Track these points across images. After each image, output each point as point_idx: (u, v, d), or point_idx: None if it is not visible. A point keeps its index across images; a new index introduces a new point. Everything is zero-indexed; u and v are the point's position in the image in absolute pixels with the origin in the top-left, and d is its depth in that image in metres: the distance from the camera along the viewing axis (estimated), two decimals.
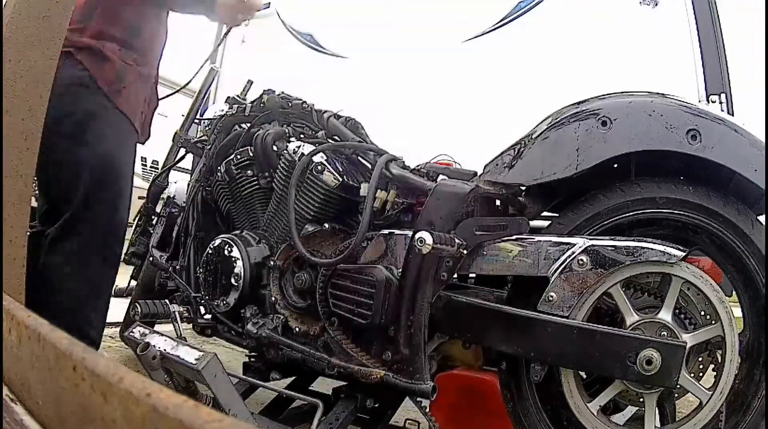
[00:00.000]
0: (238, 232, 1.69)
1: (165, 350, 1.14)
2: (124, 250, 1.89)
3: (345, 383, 1.45)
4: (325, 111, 1.69)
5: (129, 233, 2.32)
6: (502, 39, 2.49)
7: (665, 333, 1.08)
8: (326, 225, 1.50)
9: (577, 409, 1.13)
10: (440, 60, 2.60)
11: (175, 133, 2.19)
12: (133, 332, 1.24)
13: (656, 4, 2.18)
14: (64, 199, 1.54)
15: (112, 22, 1.59)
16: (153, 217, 2.21)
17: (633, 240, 1.08)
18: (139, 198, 2.30)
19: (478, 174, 1.30)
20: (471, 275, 1.38)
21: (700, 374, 1.29)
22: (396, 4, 2.86)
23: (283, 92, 1.82)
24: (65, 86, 1.47)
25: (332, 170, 1.49)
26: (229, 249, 1.59)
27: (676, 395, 1.29)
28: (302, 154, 1.53)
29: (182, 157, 2.21)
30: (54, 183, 1.55)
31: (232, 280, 1.57)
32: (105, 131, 1.57)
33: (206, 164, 1.87)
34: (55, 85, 1.44)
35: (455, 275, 1.23)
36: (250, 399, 1.62)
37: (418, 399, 1.28)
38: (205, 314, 1.73)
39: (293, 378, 1.73)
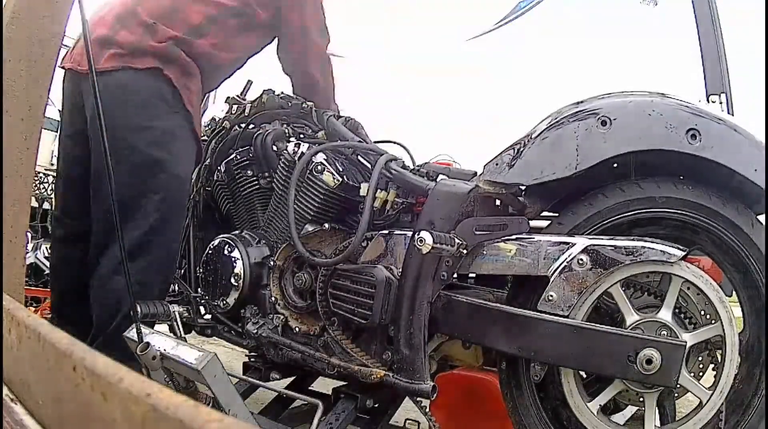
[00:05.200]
0: (238, 232, 1.69)
1: (165, 350, 1.14)
2: None
3: (345, 383, 1.45)
4: (325, 111, 1.69)
5: None
6: (503, 38, 2.49)
7: (665, 332, 1.08)
8: (326, 225, 1.50)
9: (577, 409, 1.13)
10: (440, 60, 2.60)
11: None
12: (133, 332, 1.24)
13: (656, 4, 2.18)
14: (130, 215, 1.42)
15: (222, 47, 1.56)
16: None
17: (633, 239, 1.08)
18: None
19: (478, 174, 1.30)
20: (471, 275, 1.38)
21: (700, 374, 1.28)
22: (396, 4, 2.87)
23: (283, 92, 1.82)
24: (148, 98, 1.44)
25: (332, 170, 1.49)
26: (229, 249, 1.59)
27: (676, 395, 1.29)
28: (302, 154, 1.53)
29: None
30: (119, 193, 1.33)
31: (232, 280, 1.57)
32: (182, 152, 1.51)
33: (205, 164, 1.87)
34: (137, 96, 1.42)
35: (455, 275, 1.23)
36: (250, 399, 1.62)
37: (418, 399, 1.28)
38: (205, 314, 1.73)
39: (293, 378, 1.73)
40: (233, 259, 1.57)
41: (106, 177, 1.32)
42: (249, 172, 1.69)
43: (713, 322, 1.08)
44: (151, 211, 1.44)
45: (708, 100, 2.00)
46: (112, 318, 1.41)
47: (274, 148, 1.63)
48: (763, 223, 1.08)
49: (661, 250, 1.05)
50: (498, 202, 1.30)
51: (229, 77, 1.81)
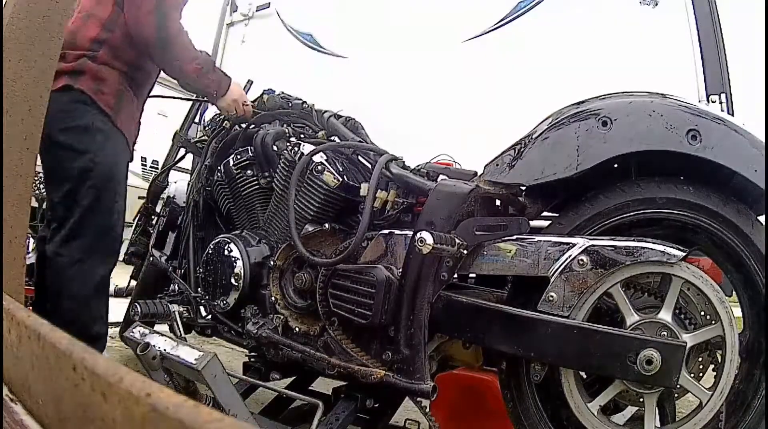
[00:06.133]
0: (238, 232, 1.69)
1: (165, 350, 1.14)
2: (123, 250, 1.96)
3: (345, 383, 1.45)
4: (325, 111, 1.69)
5: (128, 233, 2.32)
6: (502, 39, 2.49)
7: (665, 333, 1.08)
8: (326, 225, 1.50)
9: (577, 409, 1.13)
10: (440, 60, 2.59)
11: (175, 133, 2.19)
12: (133, 332, 1.24)
13: (656, 4, 2.18)
14: (66, 206, 1.64)
15: (116, 55, 1.69)
16: (153, 217, 2.21)
17: (633, 240, 1.08)
18: (139, 198, 2.30)
19: (479, 174, 1.30)
20: (471, 275, 1.38)
21: (700, 374, 1.29)
22: (396, 3, 2.86)
23: (283, 92, 1.82)
24: (66, 104, 1.60)
25: (332, 170, 1.49)
26: (229, 249, 1.59)
27: (676, 395, 1.29)
28: (302, 153, 1.53)
29: (182, 157, 2.21)
30: (58, 190, 1.66)
31: (232, 280, 1.57)
32: (105, 144, 1.66)
33: (205, 164, 1.87)
34: (57, 109, 1.51)
35: (455, 275, 1.23)
36: (250, 399, 1.62)
37: (418, 399, 1.28)
38: (207, 315, 1.73)
39: (293, 378, 1.73)
40: (233, 259, 1.57)
41: (48, 176, 1.67)
42: (249, 172, 1.69)
43: (713, 322, 1.08)
44: (82, 197, 1.63)
45: (708, 100, 2.00)
46: (57, 295, 1.61)
47: (274, 148, 1.63)
48: (763, 223, 1.08)
49: (661, 251, 1.05)
50: (498, 203, 1.30)
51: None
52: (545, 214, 1.30)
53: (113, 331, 2.78)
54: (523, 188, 1.25)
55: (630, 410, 1.41)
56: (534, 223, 1.22)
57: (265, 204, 1.67)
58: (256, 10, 3.44)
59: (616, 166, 1.17)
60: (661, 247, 1.05)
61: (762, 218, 1.09)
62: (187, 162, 2.28)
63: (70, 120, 1.61)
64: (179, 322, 1.59)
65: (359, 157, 1.62)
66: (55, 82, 1.57)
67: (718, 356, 1.14)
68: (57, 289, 1.62)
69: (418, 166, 1.49)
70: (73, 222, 1.63)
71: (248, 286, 1.55)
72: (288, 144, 1.62)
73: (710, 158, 1.04)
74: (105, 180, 1.66)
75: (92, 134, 1.64)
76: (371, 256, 1.34)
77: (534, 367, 1.18)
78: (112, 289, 2.81)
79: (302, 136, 1.68)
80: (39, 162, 1.19)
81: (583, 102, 1.18)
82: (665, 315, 1.09)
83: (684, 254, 1.04)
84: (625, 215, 1.13)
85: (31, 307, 1.99)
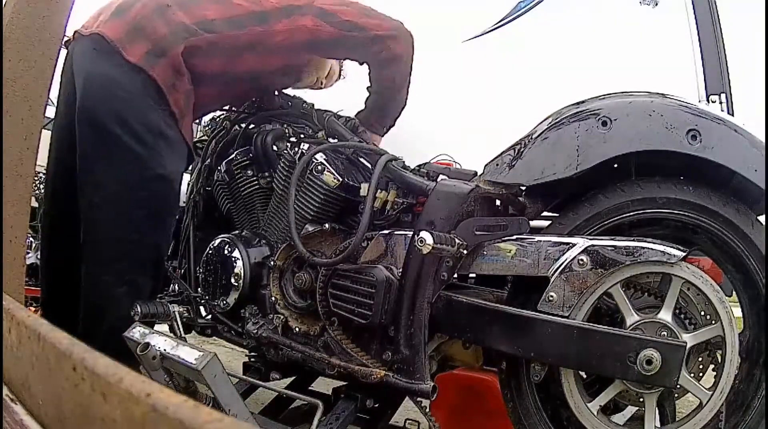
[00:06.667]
0: (238, 232, 1.69)
1: (165, 350, 1.14)
2: None
3: (345, 383, 1.45)
4: (325, 111, 1.69)
5: None
6: (502, 39, 2.49)
7: (665, 333, 1.08)
8: (326, 225, 1.50)
9: (577, 409, 1.13)
10: (440, 60, 2.59)
11: None
12: (133, 332, 1.24)
13: (656, 4, 2.18)
14: (115, 212, 1.41)
15: (210, 54, 1.47)
16: None
17: (633, 240, 1.08)
18: None
19: (478, 174, 1.30)
20: (471, 275, 1.38)
21: (700, 374, 1.29)
22: (396, 3, 2.86)
23: (283, 92, 1.82)
24: (132, 90, 1.39)
25: (332, 170, 1.49)
26: (229, 249, 1.59)
27: (676, 395, 1.29)
28: (302, 153, 1.53)
29: None
30: (103, 188, 1.42)
31: (232, 280, 1.57)
32: (167, 153, 1.45)
33: (205, 164, 1.87)
34: (123, 90, 1.37)
35: (455, 275, 1.23)
36: (250, 399, 1.62)
37: (418, 399, 1.28)
38: (206, 315, 1.73)
39: (293, 378, 1.73)
40: (233, 259, 1.57)
41: (90, 171, 1.40)
42: (249, 172, 1.69)
43: (713, 322, 1.08)
44: (135, 210, 1.42)
45: (708, 100, 2.00)
46: (99, 317, 1.43)
47: (274, 148, 1.63)
48: (763, 223, 1.08)
49: (661, 251, 1.05)
50: (498, 203, 1.30)
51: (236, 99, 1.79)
52: (545, 214, 1.30)
53: None
54: (523, 188, 1.25)
55: (630, 410, 1.41)
56: (534, 223, 1.22)
57: (265, 204, 1.67)
58: None
59: (616, 166, 1.17)
60: (661, 247, 1.05)
61: (762, 218, 1.09)
62: None
63: (134, 112, 1.39)
64: (179, 322, 1.58)
65: (359, 157, 1.62)
66: (131, 45, 1.37)
67: (718, 356, 1.14)
68: (96, 312, 1.43)
69: (418, 166, 1.49)
70: (123, 238, 1.41)
71: (248, 286, 1.55)
72: (288, 144, 1.61)
73: (710, 158, 1.04)
74: (161, 201, 1.45)
75: (155, 139, 1.40)
76: (371, 256, 1.34)
77: (534, 367, 1.18)
78: None
79: (302, 136, 1.68)
80: (39, 161, 1.03)
81: (583, 102, 1.18)
82: (665, 315, 1.09)
83: (684, 254, 1.04)
84: (625, 215, 1.13)
85: (33, 308, 1.99)
